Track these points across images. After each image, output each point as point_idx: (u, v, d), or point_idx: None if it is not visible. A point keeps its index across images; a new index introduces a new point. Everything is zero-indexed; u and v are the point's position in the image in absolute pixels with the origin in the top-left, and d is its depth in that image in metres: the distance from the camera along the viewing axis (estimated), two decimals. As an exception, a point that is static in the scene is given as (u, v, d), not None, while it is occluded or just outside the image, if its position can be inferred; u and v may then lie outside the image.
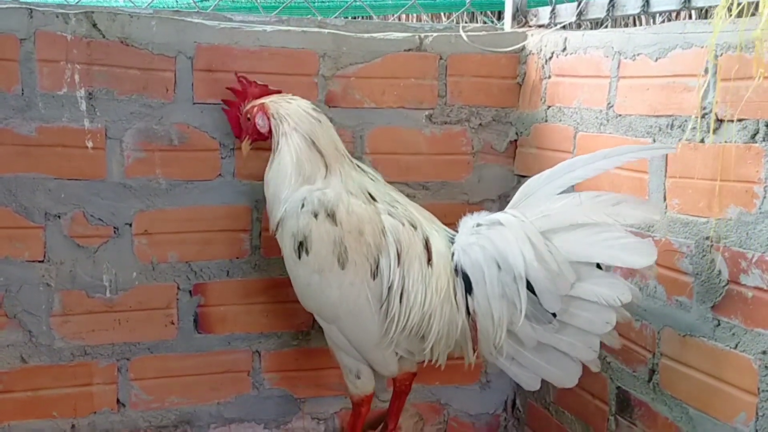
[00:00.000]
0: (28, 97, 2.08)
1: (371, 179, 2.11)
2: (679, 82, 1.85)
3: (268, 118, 2.06)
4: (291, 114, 2.04)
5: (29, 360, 2.19)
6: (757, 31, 1.56)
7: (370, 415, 2.42)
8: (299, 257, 1.99)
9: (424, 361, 2.11)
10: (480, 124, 2.49)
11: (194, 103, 2.23)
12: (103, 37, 2.12)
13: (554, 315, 1.88)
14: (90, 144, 2.16)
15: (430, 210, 2.17)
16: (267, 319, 2.39)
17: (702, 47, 1.78)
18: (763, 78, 1.58)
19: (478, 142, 2.50)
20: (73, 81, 2.11)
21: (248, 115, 2.10)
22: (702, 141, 1.78)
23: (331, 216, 1.97)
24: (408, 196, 2.22)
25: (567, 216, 1.83)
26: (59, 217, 2.16)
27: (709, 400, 1.79)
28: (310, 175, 2.01)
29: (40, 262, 2.16)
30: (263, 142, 2.11)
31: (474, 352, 2.03)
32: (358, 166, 2.11)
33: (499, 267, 1.90)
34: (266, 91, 2.14)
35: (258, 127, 2.08)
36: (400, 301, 1.99)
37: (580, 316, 1.86)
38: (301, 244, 1.98)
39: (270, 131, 2.06)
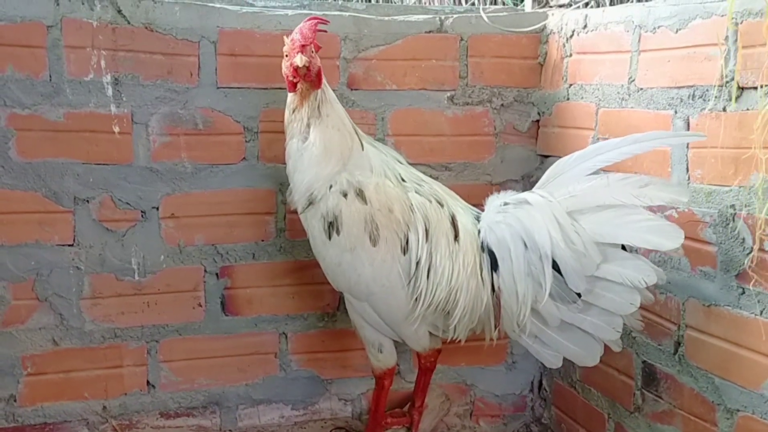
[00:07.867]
0: (56, 83, 2.12)
1: (398, 161, 2.13)
2: (700, 52, 1.84)
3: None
4: (329, 90, 2.02)
5: (61, 342, 2.22)
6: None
7: (397, 396, 2.45)
8: (329, 238, 2.00)
9: (447, 339, 2.13)
10: (502, 105, 2.49)
11: (218, 88, 2.26)
12: (128, 23, 2.16)
13: (579, 295, 1.89)
14: (117, 129, 2.19)
15: (454, 191, 2.19)
16: (293, 301, 2.41)
17: (722, 16, 1.77)
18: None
19: (501, 122, 2.50)
20: (99, 67, 2.15)
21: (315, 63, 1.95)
22: (724, 109, 1.78)
23: (360, 195, 1.98)
24: (431, 177, 2.22)
25: (594, 197, 1.84)
26: (88, 201, 2.19)
27: (735, 369, 1.78)
28: (348, 154, 2.00)
29: (69, 245, 2.20)
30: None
31: (495, 328, 2.04)
32: (382, 148, 2.13)
33: (525, 245, 1.91)
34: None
35: (322, 81, 1.98)
36: (428, 277, 2.00)
37: (605, 296, 1.87)
38: (331, 224, 1.99)
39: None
